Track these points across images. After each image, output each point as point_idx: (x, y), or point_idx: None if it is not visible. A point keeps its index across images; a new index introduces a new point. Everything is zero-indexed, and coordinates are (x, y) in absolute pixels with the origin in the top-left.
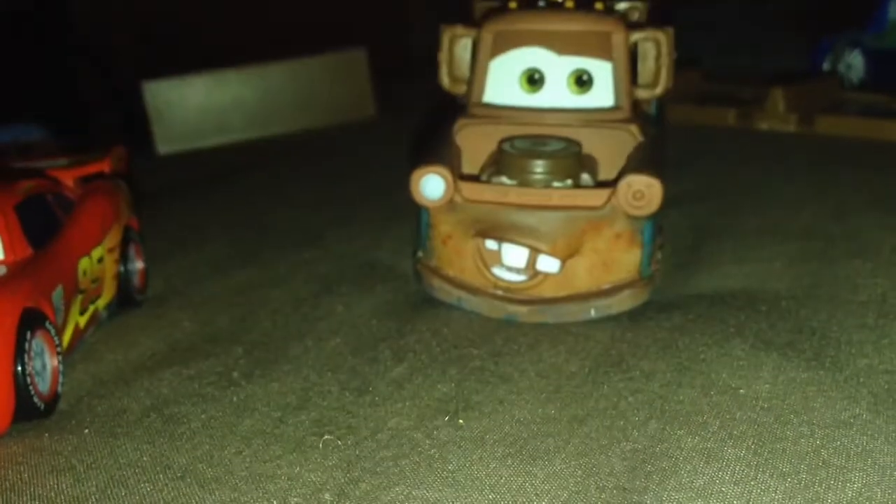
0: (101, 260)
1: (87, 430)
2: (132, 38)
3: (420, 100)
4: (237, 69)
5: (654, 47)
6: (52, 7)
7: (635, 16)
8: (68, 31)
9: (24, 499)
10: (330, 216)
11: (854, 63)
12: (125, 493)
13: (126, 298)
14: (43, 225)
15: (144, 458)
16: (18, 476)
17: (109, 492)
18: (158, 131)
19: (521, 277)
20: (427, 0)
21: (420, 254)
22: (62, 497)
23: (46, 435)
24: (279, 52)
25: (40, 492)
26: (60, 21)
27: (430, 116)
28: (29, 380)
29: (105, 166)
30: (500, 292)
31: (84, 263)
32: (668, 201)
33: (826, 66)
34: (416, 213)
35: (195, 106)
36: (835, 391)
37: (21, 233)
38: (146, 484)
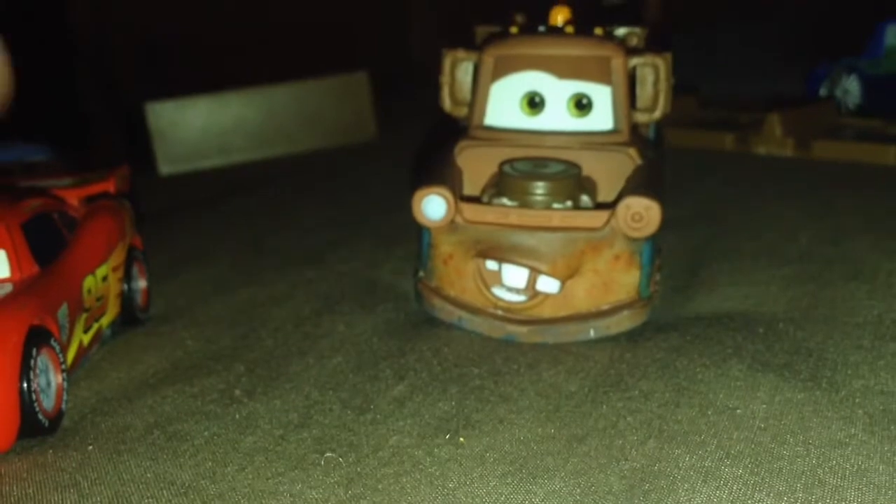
0: (105, 278)
1: (91, 447)
2: (135, 59)
3: (421, 121)
4: (239, 91)
5: (653, 72)
6: (54, 27)
7: (634, 41)
8: (71, 51)
9: None
10: (331, 236)
11: (850, 88)
12: None
13: (130, 317)
14: (49, 243)
15: (148, 475)
16: (23, 492)
17: None
18: (160, 152)
19: (521, 298)
20: (429, 21)
21: (421, 273)
22: None
23: (51, 451)
24: (281, 74)
25: None
26: (63, 41)
27: (430, 137)
28: (34, 396)
29: (109, 186)
30: (500, 312)
31: (89, 282)
32: (666, 224)
33: (823, 91)
34: (417, 234)
35: (197, 127)
36: (831, 411)
37: (28, 251)
38: (150, 500)
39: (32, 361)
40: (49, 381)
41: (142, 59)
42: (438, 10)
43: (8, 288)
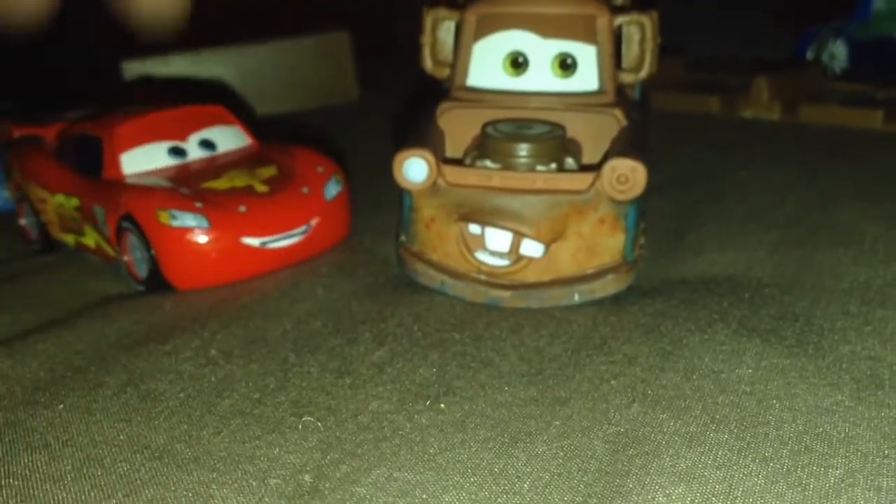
0: None
1: (61, 406)
2: (111, 16)
3: (403, 82)
4: (217, 49)
5: (639, 31)
6: None
7: (619, 0)
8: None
9: None
10: None
11: (838, 53)
12: (101, 473)
13: None
14: None
15: (121, 437)
16: None
17: (85, 471)
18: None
19: (504, 262)
20: None
21: (403, 238)
22: (37, 475)
23: (21, 409)
24: (261, 33)
25: (15, 469)
26: None
27: (412, 99)
28: None
29: None
30: (483, 277)
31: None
32: (651, 187)
33: (810, 55)
34: (398, 197)
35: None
36: (817, 377)
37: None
38: (123, 463)
39: None
40: None
41: (118, 15)
42: None
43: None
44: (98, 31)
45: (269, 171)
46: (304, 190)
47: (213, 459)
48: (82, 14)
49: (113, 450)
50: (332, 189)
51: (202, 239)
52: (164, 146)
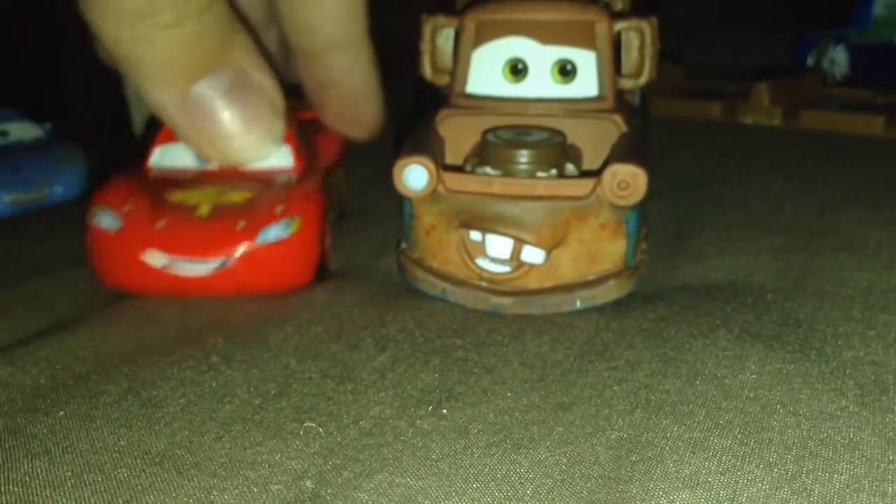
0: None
1: (62, 413)
2: None
3: (400, 90)
4: None
5: (638, 37)
6: None
7: (619, 6)
8: (47, 12)
9: None
10: None
11: (838, 59)
12: (102, 479)
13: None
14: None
15: (122, 443)
16: None
17: (85, 477)
18: (138, 117)
19: (505, 268)
20: None
21: (403, 245)
22: (37, 482)
23: (20, 416)
24: None
25: (15, 476)
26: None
27: (411, 106)
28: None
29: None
30: (484, 283)
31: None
32: (653, 193)
33: (811, 61)
34: (398, 204)
35: None
36: (821, 383)
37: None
38: (123, 469)
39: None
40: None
41: None
42: None
43: (294, 176)
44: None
45: (239, 197)
46: (240, 224)
47: (214, 465)
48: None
49: (113, 456)
50: (273, 232)
51: (107, 241)
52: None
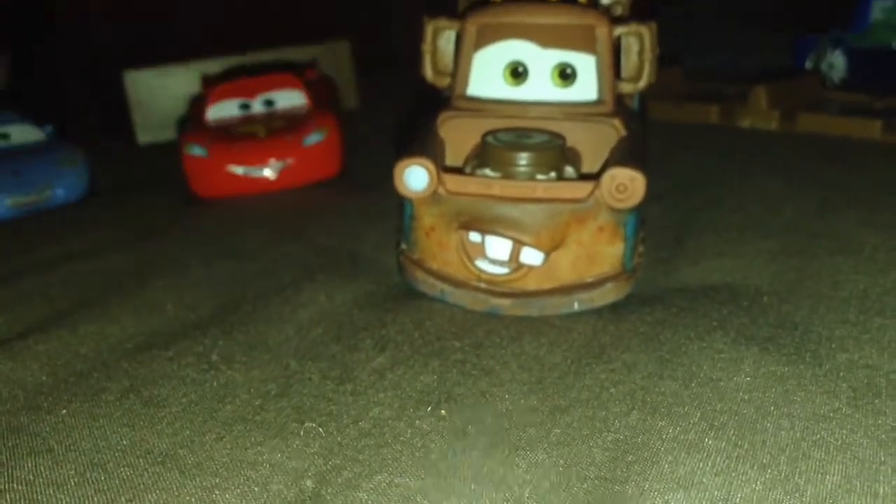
0: None
1: (64, 411)
2: (112, 27)
3: (402, 91)
4: (218, 59)
5: (638, 41)
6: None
7: (618, 10)
8: (47, 17)
9: (2, 480)
10: (311, 208)
11: (836, 62)
12: (104, 478)
13: None
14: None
15: (124, 442)
16: None
17: (88, 475)
18: (139, 121)
19: (504, 270)
20: None
21: (403, 246)
22: (40, 480)
23: (24, 414)
24: (261, 43)
25: (18, 474)
26: (38, 7)
27: (413, 108)
28: None
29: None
30: (483, 285)
31: None
32: (651, 196)
33: (809, 64)
34: (399, 206)
35: (176, 96)
36: (815, 385)
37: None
38: (126, 468)
39: None
40: None
41: (120, 26)
42: None
43: (310, 108)
44: (99, 42)
45: (280, 124)
46: (290, 137)
47: (215, 465)
48: (82, 26)
49: (116, 455)
50: (313, 138)
51: (202, 163)
52: (236, 103)
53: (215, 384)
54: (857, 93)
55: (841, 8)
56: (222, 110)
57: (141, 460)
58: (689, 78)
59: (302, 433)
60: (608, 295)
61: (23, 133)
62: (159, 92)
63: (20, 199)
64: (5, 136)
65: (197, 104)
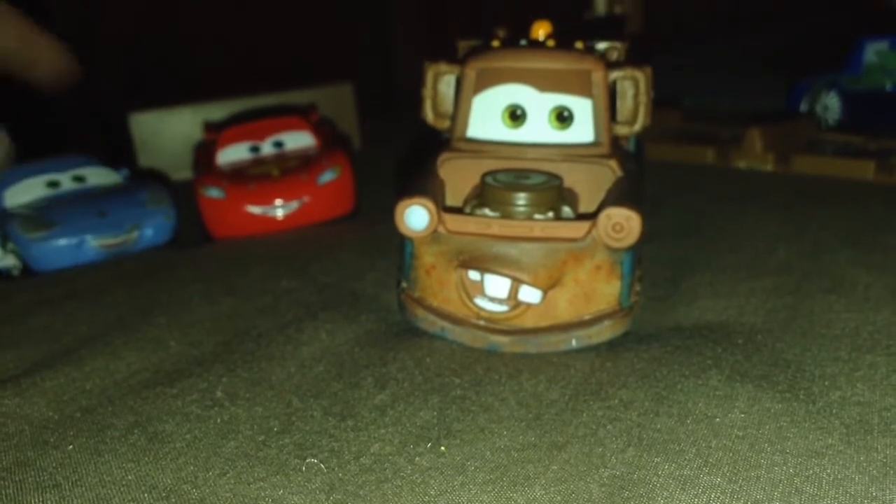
0: None
1: (71, 447)
2: (117, 69)
3: (403, 135)
4: (222, 101)
5: (633, 85)
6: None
7: (614, 55)
8: None
9: None
10: (313, 247)
11: (831, 104)
12: None
13: None
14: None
15: (129, 477)
16: (2, 492)
17: None
18: (144, 161)
19: (503, 308)
20: (412, 40)
21: (404, 284)
22: None
23: (30, 449)
24: (265, 86)
25: None
26: None
27: (413, 149)
28: None
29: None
30: (482, 322)
31: None
32: (647, 236)
33: (803, 107)
34: (399, 245)
35: (180, 137)
36: (808, 422)
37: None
38: (131, 502)
39: None
40: None
41: (125, 69)
42: (421, 29)
43: (318, 149)
44: (104, 84)
45: (292, 164)
46: (304, 176)
47: (219, 500)
48: (88, 68)
49: (121, 489)
50: (326, 176)
51: (219, 205)
52: (245, 146)
53: (219, 420)
54: (851, 134)
55: (835, 51)
56: (233, 154)
57: (146, 495)
58: (686, 119)
59: (304, 469)
60: (605, 332)
61: (99, 176)
62: (164, 134)
63: (108, 240)
64: (82, 179)
65: (203, 149)
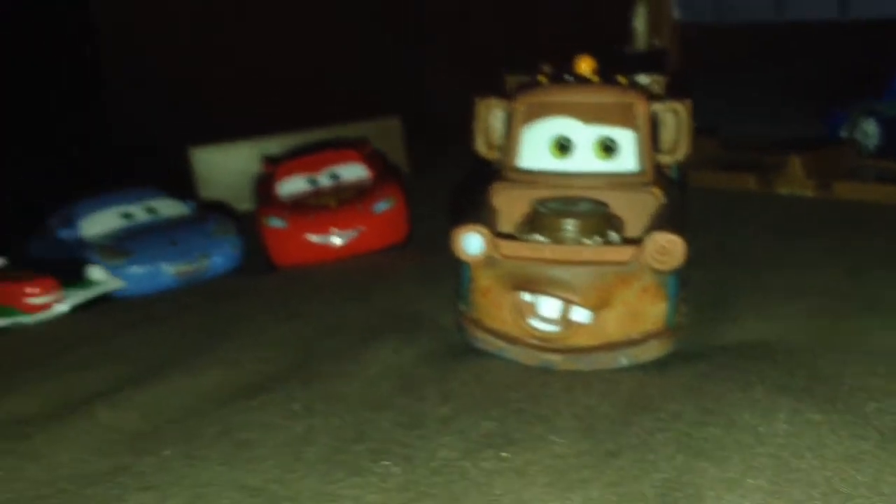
0: None
1: (167, 452)
2: (178, 105)
3: (449, 166)
4: (278, 136)
5: (674, 116)
6: (89, 79)
7: (655, 88)
8: (104, 98)
9: None
10: (372, 274)
11: (870, 130)
12: None
13: None
14: None
15: (221, 479)
16: (108, 493)
17: None
18: (204, 193)
19: (555, 328)
20: (446, 71)
21: (462, 306)
22: None
23: (127, 455)
24: (318, 120)
25: None
26: (97, 92)
27: (463, 180)
28: None
29: None
30: (536, 342)
31: None
32: (692, 261)
33: (843, 133)
34: (456, 270)
35: (238, 171)
36: (845, 430)
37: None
38: (225, 500)
39: None
40: None
41: (183, 105)
42: (455, 64)
43: (372, 180)
44: (164, 120)
45: (348, 195)
46: (360, 207)
47: (304, 498)
48: (148, 103)
49: (215, 489)
50: (381, 206)
51: (281, 234)
52: (303, 178)
53: (298, 430)
54: (891, 160)
55: (873, 77)
56: (291, 185)
57: (237, 494)
58: (728, 147)
59: (379, 471)
60: (653, 351)
61: (168, 207)
62: (223, 168)
63: (182, 267)
64: (153, 210)
65: (263, 182)
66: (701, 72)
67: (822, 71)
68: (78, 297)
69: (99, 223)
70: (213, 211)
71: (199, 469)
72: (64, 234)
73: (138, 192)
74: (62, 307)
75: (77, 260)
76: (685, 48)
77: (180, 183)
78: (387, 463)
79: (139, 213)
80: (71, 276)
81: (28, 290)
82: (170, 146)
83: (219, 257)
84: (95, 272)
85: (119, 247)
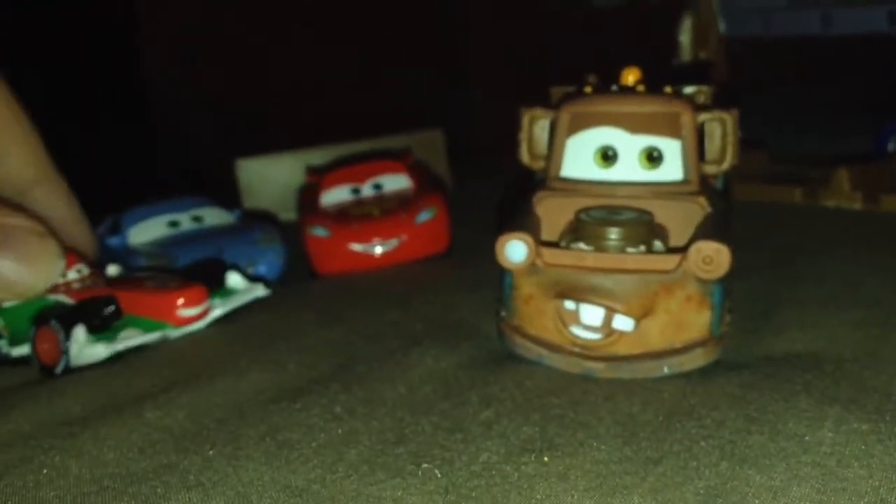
0: None
1: (211, 452)
2: (212, 122)
3: (490, 178)
4: (322, 148)
5: (720, 126)
6: (138, 92)
7: (701, 98)
8: (148, 112)
9: None
10: (413, 282)
11: None
12: None
13: None
14: None
15: (265, 478)
16: (154, 491)
17: None
18: (248, 203)
19: (597, 336)
20: (490, 84)
21: (503, 313)
22: None
23: (173, 454)
24: (361, 133)
25: None
26: (145, 104)
27: (505, 191)
28: None
29: None
30: (578, 349)
31: None
32: (737, 272)
33: (891, 147)
34: (498, 277)
35: (282, 182)
36: (893, 440)
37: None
38: (268, 500)
39: None
40: None
41: (226, 123)
42: (499, 77)
43: (414, 190)
44: (212, 132)
45: (391, 205)
46: (402, 216)
47: (346, 498)
48: (192, 115)
49: (259, 488)
50: (423, 216)
51: (324, 243)
52: (347, 188)
53: (340, 432)
54: None
55: None
56: (335, 195)
57: (280, 494)
58: (774, 160)
59: (420, 474)
60: (696, 360)
61: (214, 216)
62: (267, 179)
63: None
64: (199, 219)
65: (307, 191)
66: (747, 84)
67: (870, 85)
68: (225, 306)
69: (146, 231)
70: (259, 220)
71: (243, 468)
72: (112, 241)
73: (185, 200)
74: (209, 318)
75: (216, 263)
76: (731, 61)
77: (225, 193)
78: (428, 466)
79: (186, 221)
80: (210, 282)
81: (181, 300)
82: (214, 157)
83: (263, 265)
84: (234, 278)
85: (165, 254)
